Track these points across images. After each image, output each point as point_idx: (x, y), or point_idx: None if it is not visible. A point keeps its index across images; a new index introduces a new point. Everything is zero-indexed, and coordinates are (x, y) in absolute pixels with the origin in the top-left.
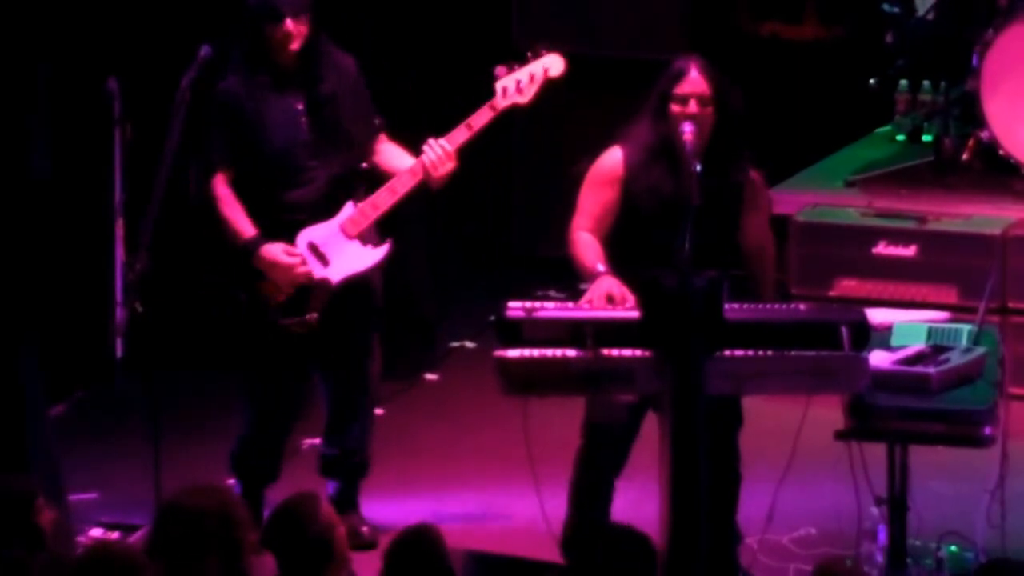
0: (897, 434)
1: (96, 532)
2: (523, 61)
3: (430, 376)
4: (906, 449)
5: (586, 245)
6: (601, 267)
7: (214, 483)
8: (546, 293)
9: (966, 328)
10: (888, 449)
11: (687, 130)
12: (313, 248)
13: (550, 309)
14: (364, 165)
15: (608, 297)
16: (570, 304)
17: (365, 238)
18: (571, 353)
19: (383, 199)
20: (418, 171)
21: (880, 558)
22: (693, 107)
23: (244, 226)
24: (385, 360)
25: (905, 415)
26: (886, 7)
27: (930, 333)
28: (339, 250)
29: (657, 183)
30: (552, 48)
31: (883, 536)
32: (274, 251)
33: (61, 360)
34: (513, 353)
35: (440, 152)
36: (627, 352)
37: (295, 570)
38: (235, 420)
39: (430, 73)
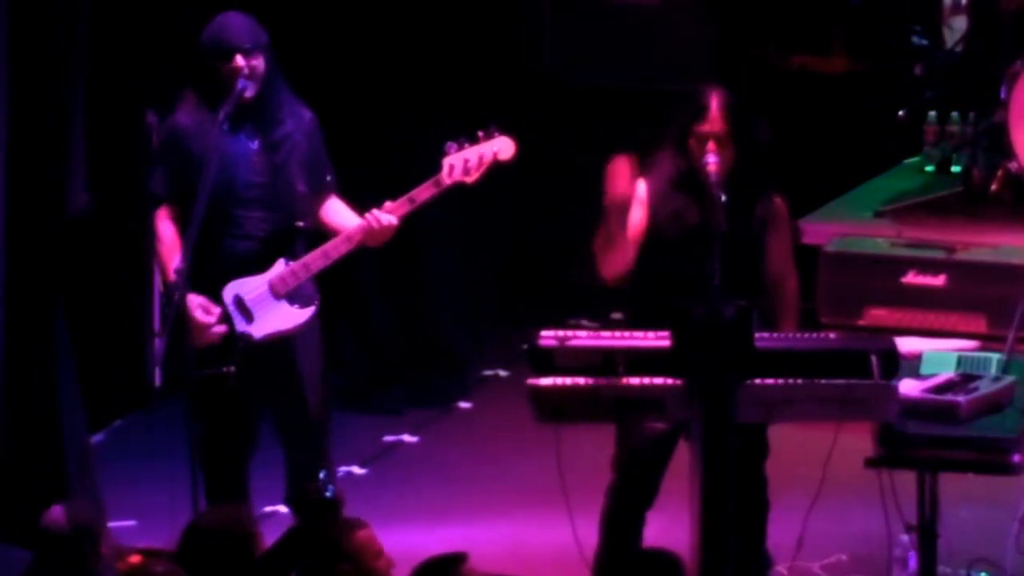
0: (927, 462)
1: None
2: (474, 140)
3: (463, 404)
4: (936, 477)
5: None
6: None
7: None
8: (578, 322)
9: (995, 357)
10: (918, 477)
11: (711, 161)
12: (239, 302)
13: (582, 338)
14: (301, 224)
15: None
16: (602, 333)
17: (293, 297)
18: (603, 381)
19: (315, 261)
20: (355, 238)
21: None
22: (712, 145)
23: (172, 269)
24: (416, 389)
25: (935, 443)
26: (915, 39)
27: (959, 362)
28: (265, 307)
29: (680, 210)
30: (504, 132)
31: (913, 563)
32: (192, 304)
33: (99, 389)
34: (546, 381)
35: (382, 224)
36: (658, 380)
37: None
38: (271, 446)
39: (461, 103)
